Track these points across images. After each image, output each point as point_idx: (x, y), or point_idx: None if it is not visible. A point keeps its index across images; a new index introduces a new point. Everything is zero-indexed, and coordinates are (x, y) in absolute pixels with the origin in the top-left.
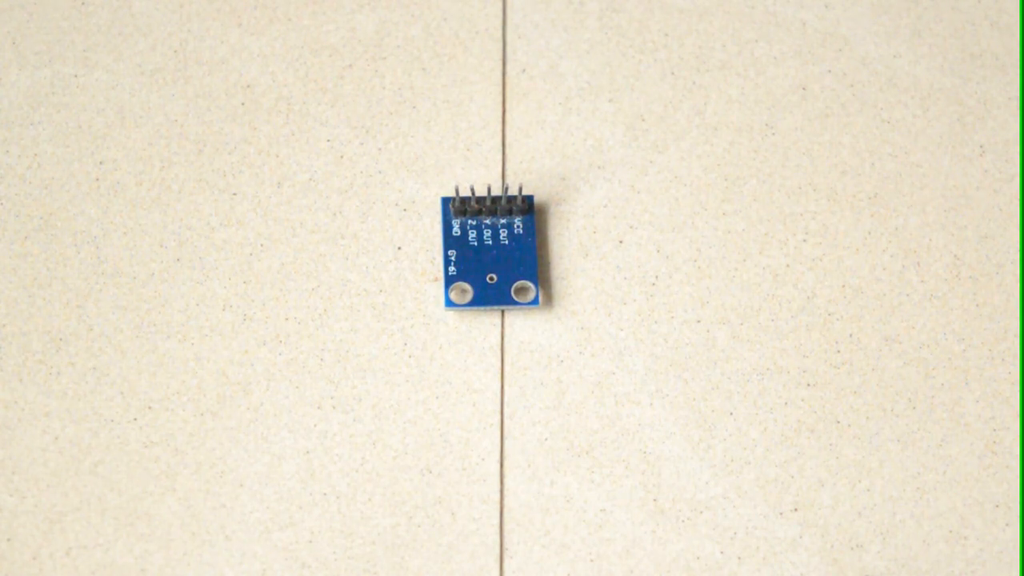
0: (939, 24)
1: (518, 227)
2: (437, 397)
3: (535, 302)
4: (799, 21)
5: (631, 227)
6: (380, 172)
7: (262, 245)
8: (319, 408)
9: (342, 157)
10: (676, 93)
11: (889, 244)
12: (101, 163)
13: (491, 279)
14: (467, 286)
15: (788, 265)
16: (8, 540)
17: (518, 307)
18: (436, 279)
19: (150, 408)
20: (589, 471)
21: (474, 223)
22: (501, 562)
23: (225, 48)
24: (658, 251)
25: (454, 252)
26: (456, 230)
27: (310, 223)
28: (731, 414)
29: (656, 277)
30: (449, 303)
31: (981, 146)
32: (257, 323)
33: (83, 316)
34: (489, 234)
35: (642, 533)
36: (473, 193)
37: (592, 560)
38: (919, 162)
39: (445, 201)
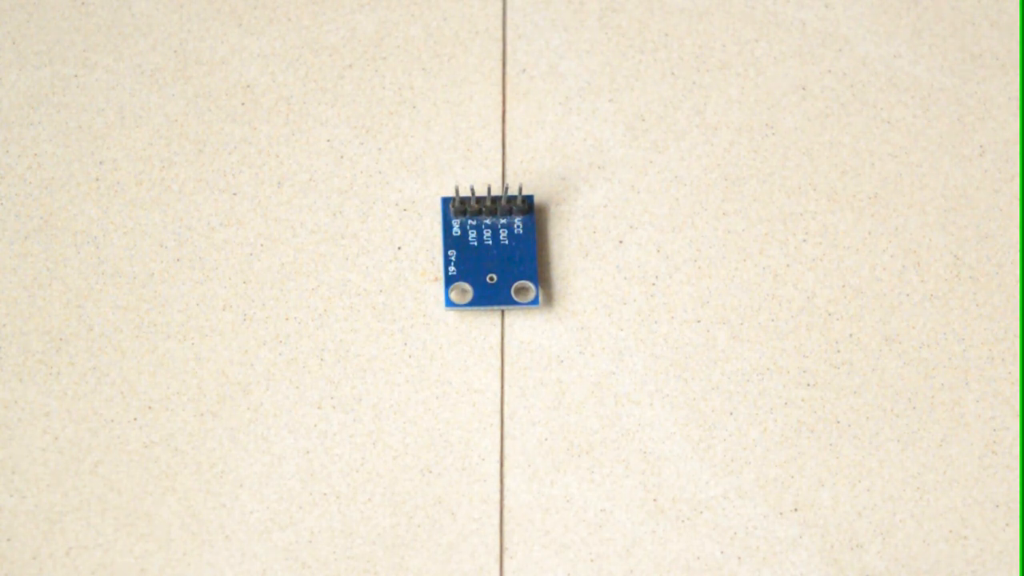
0: (939, 24)
1: (518, 227)
2: (437, 397)
3: (535, 302)
4: (799, 21)
5: (631, 227)
6: (380, 172)
7: (262, 245)
8: (319, 408)
9: (342, 157)
10: (676, 93)
11: (889, 244)
12: (101, 163)
13: (491, 279)
14: (467, 286)
15: (788, 265)
16: (8, 540)
17: (518, 307)
18: (436, 279)
19: (150, 408)
20: (589, 471)
21: (474, 223)
22: (501, 562)
23: (225, 48)
24: (658, 251)
25: (454, 252)
26: (456, 230)
27: (310, 223)
28: (731, 414)
29: (656, 277)
30: (449, 303)
31: (981, 146)
32: (257, 323)
33: (83, 316)
34: (489, 234)
35: (642, 533)
36: (473, 193)
37: (592, 560)
38: (919, 162)
39: (445, 201)
